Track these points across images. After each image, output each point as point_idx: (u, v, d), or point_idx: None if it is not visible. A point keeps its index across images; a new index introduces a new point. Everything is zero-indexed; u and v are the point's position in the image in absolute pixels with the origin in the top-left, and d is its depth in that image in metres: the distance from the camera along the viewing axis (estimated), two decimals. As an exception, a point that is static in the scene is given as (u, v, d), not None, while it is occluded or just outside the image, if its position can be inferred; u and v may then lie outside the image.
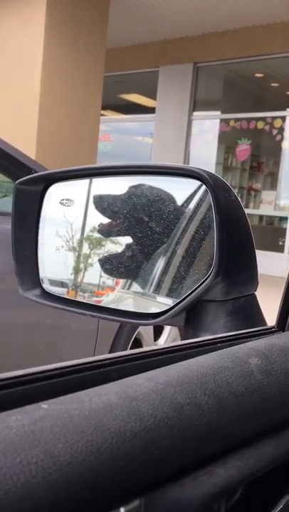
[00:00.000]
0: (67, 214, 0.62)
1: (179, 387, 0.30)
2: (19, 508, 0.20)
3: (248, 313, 0.58)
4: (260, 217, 7.94)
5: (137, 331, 2.11)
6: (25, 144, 5.11)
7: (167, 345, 0.37)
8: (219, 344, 0.41)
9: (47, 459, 0.22)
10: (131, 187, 0.59)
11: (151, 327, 2.18)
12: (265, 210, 7.82)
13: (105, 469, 0.23)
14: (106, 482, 0.23)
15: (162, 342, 2.29)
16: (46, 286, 0.63)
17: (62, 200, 0.62)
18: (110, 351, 1.94)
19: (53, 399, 0.26)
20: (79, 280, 0.65)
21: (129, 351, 0.34)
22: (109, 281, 0.63)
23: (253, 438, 0.32)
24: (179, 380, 0.31)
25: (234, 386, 0.33)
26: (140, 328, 2.11)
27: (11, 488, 0.20)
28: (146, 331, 2.22)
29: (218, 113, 8.26)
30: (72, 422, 0.24)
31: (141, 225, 0.59)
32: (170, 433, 0.27)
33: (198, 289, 0.53)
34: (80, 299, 0.64)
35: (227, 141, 8.15)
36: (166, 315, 0.54)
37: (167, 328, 2.31)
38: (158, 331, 2.36)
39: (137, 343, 2.17)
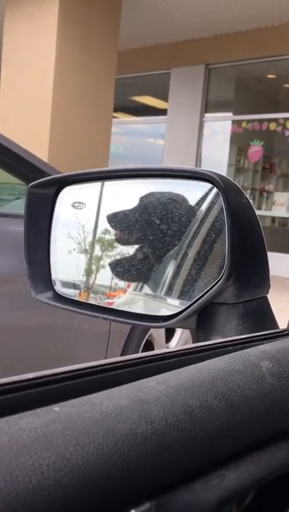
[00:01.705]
0: (79, 217, 0.63)
1: (190, 390, 0.30)
2: (31, 509, 0.20)
3: (259, 316, 0.58)
4: (273, 218, 7.90)
5: (148, 333, 2.11)
6: (38, 147, 5.15)
7: (178, 348, 0.37)
8: (230, 347, 0.41)
9: (58, 462, 0.22)
10: (142, 196, 0.59)
11: (163, 329, 2.18)
12: (278, 211, 7.78)
13: (116, 472, 0.23)
14: (117, 484, 0.23)
15: (174, 344, 2.29)
16: (58, 288, 0.64)
17: (74, 203, 0.62)
18: (122, 353, 1.95)
19: (65, 402, 0.26)
20: (91, 282, 0.65)
21: (140, 354, 0.34)
22: (121, 283, 0.63)
23: (265, 442, 0.32)
24: (190, 384, 0.31)
25: (245, 389, 0.33)
26: (152, 330, 2.11)
27: (23, 489, 0.20)
28: (158, 333, 2.22)
29: (230, 114, 8.24)
30: (84, 424, 0.24)
31: (152, 228, 0.60)
32: (181, 436, 0.27)
33: (210, 291, 0.53)
34: (92, 300, 0.64)
35: (239, 142, 8.13)
36: (178, 318, 0.54)
37: (179, 330, 2.31)
38: (170, 333, 2.36)
39: (149, 345, 2.17)
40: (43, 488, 0.21)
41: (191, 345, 0.39)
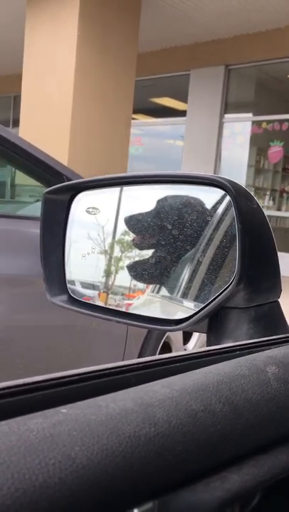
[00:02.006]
0: (93, 222, 0.64)
1: (194, 394, 0.31)
2: (36, 507, 0.21)
3: (271, 320, 0.58)
4: (293, 220, 7.83)
5: (166, 335, 2.12)
6: (58, 149, 5.21)
7: (185, 353, 0.38)
8: (238, 352, 0.41)
9: (64, 461, 0.23)
10: (157, 201, 0.60)
11: (181, 331, 2.18)
12: (298, 212, 7.71)
13: (120, 472, 0.24)
14: (120, 484, 0.24)
15: (191, 346, 2.30)
16: (74, 288, 0.65)
17: (89, 208, 0.64)
18: (139, 355, 1.96)
19: (72, 404, 0.27)
20: (110, 283, 0.66)
21: (147, 358, 0.35)
22: (139, 284, 0.64)
23: (268, 446, 0.32)
24: (194, 387, 0.32)
25: (250, 394, 0.33)
26: (169, 333, 2.12)
27: (30, 487, 0.21)
28: (175, 336, 2.23)
29: (250, 115, 8.20)
30: (89, 426, 0.25)
31: (168, 233, 0.61)
32: (184, 439, 0.28)
33: (221, 295, 0.54)
34: (111, 301, 0.65)
35: (259, 143, 8.08)
36: (189, 321, 0.55)
37: (196, 333, 2.31)
38: (187, 335, 2.36)
39: (166, 347, 2.18)
40: (49, 487, 0.22)
41: (198, 349, 0.40)
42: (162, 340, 2.09)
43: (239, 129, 8.06)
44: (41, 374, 0.30)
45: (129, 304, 0.64)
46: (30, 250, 1.65)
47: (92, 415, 0.26)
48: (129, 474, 0.25)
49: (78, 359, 1.83)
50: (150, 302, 0.62)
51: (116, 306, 0.65)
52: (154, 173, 0.59)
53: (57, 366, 1.75)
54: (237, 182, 0.55)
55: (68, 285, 0.64)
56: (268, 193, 8.19)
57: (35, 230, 1.74)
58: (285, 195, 8.20)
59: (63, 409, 0.26)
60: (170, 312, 0.62)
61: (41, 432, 0.24)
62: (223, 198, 0.58)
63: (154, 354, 2.05)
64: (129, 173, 0.57)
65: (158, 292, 0.63)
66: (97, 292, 0.67)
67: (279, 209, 7.94)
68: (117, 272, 0.65)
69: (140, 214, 0.63)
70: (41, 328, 1.73)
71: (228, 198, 0.56)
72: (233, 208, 0.56)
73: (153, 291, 0.63)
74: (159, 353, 2.08)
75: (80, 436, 0.25)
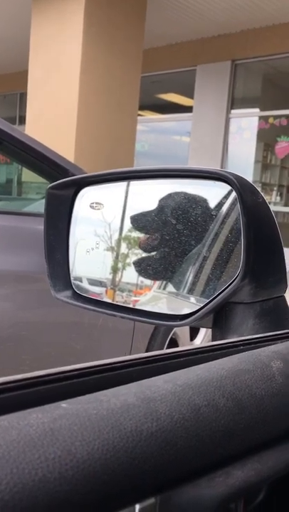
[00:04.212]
0: (97, 217, 0.64)
1: (197, 389, 0.30)
2: (36, 501, 0.21)
3: (276, 315, 0.58)
4: (301, 215, 7.79)
5: (173, 331, 2.11)
6: (65, 145, 5.21)
7: (189, 348, 0.38)
8: (242, 347, 0.41)
9: (64, 456, 0.23)
10: (163, 195, 0.60)
11: (188, 327, 2.18)
12: (306, 208, 7.66)
13: (121, 467, 0.24)
14: (121, 479, 0.24)
15: (198, 342, 2.29)
16: (79, 283, 0.65)
17: (92, 203, 0.63)
18: (146, 351, 1.96)
19: (73, 398, 0.27)
20: (117, 280, 0.66)
21: (150, 353, 0.35)
22: (147, 280, 0.64)
23: (272, 441, 0.32)
24: (197, 382, 0.31)
25: (254, 389, 0.33)
26: (176, 328, 2.12)
27: (29, 482, 0.21)
28: (182, 331, 2.22)
29: (257, 110, 8.15)
30: (90, 421, 0.25)
31: (173, 228, 0.60)
32: (186, 434, 0.27)
33: (225, 291, 0.54)
34: (118, 298, 0.65)
35: (266, 138, 8.03)
36: (194, 317, 0.55)
37: (203, 328, 2.30)
38: (194, 331, 2.36)
39: (173, 343, 2.18)
40: (48, 481, 0.22)
41: (202, 344, 0.40)
42: (169, 336, 2.09)
43: (246, 124, 8.01)
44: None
45: (137, 301, 0.64)
46: (36, 247, 1.66)
47: (93, 410, 0.26)
48: (131, 469, 0.25)
49: (85, 355, 1.83)
50: (156, 298, 0.61)
51: (123, 302, 0.65)
52: (158, 168, 0.58)
53: (64, 363, 1.75)
54: (243, 176, 0.54)
55: (73, 281, 0.64)
56: (275, 188, 8.15)
57: (42, 226, 1.74)
58: (292, 190, 8.15)
59: (64, 404, 0.26)
60: (175, 308, 0.61)
61: (41, 426, 0.24)
62: (229, 192, 0.57)
63: (162, 349, 2.05)
64: (133, 168, 0.57)
65: (164, 288, 0.63)
66: (104, 289, 0.67)
67: (286, 204, 7.89)
68: (123, 269, 0.65)
69: (145, 210, 0.62)
70: (48, 324, 1.73)
71: (233, 193, 0.55)
72: (238, 203, 0.55)
73: (159, 288, 0.63)
74: (166, 349, 2.07)
75: (81, 430, 0.24)
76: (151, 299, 0.61)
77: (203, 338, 2.32)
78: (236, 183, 0.53)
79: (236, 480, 0.28)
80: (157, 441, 0.26)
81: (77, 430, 0.24)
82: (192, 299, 0.58)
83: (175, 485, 0.27)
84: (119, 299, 0.65)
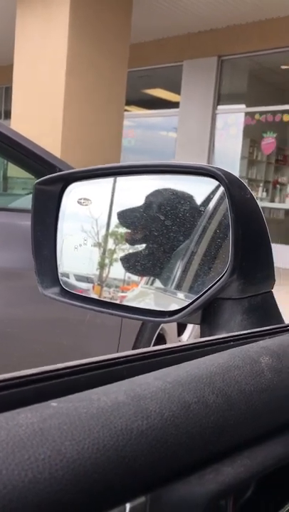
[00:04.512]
0: (85, 213, 0.64)
1: (187, 385, 0.30)
2: (26, 502, 0.21)
3: (264, 311, 0.58)
4: (286, 211, 7.84)
5: (160, 327, 2.12)
6: (51, 141, 5.17)
7: (178, 344, 0.37)
8: (232, 343, 0.41)
9: (54, 456, 0.23)
10: (148, 193, 0.60)
11: (175, 323, 2.18)
12: (291, 203, 7.71)
13: (111, 466, 0.24)
14: (112, 478, 0.24)
15: (186, 337, 2.30)
16: (67, 280, 0.65)
17: (80, 199, 0.63)
18: (134, 347, 1.96)
19: (63, 397, 0.27)
20: (104, 276, 0.66)
21: (140, 350, 0.35)
22: (134, 276, 0.63)
23: (262, 437, 0.32)
24: (187, 379, 0.31)
25: (243, 385, 0.33)
26: (164, 324, 2.12)
27: (19, 483, 0.21)
28: (169, 327, 2.23)
29: (243, 106, 8.17)
30: (80, 420, 0.25)
31: (160, 224, 0.60)
32: (176, 431, 0.27)
33: (214, 286, 0.54)
34: (105, 294, 0.65)
35: (252, 134, 8.06)
36: (182, 313, 0.55)
37: (190, 325, 2.31)
38: (182, 327, 2.36)
39: (161, 339, 2.18)
40: (38, 482, 0.21)
41: (191, 340, 0.40)
42: (157, 332, 2.09)
43: (232, 120, 8.04)
44: (35, 367, 0.29)
45: (124, 297, 0.63)
46: (21, 243, 1.64)
47: (83, 409, 0.26)
48: (121, 468, 0.24)
49: (73, 351, 1.83)
50: (144, 294, 0.61)
51: (110, 298, 0.64)
52: (146, 163, 0.58)
53: (51, 358, 1.75)
54: (229, 171, 0.54)
55: (60, 277, 0.63)
56: (261, 184, 8.19)
57: (27, 222, 1.72)
58: (278, 186, 8.20)
59: (54, 403, 0.26)
60: (164, 304, 0.61)
61: (30, 426, 0.24)
62: (216, 188, 0.57)
63: (149, 346, 2.05)
64: (121, 164, 0.56)
65: (152, 284, 0.62)
66: (91, 285, 0.67)
67: (272, 200, 7.94)
68: (110, 265, 0.64)
69: (132, 206, 0.62)
70: (35, 320, 1.72)
71: (221, 188, 0.55)
72: (226, 198, 0.55)
73: (147, 283, 0.63)
74: (154, 345, 2.08)
75: (71, 430, 0.24)
76: (139, 295, 0.61)
77: (190, 333, 2.33)
78: (224, 178, 0.53)
79: (226, 477, 0.28)
80: (148, 439, 0.26)
81: (67, 430, 0.24)
82: (180, 295, 0.58)
83: (165, 483, 0.26)
84: (107, 295, 0.64)
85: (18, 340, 1.67)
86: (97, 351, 1.91)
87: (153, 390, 0.29)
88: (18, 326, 1.68)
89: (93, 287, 0.66)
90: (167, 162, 0.57)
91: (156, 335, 2.10)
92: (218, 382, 0.32)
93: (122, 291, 0.63)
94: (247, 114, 7.94)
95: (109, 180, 0.63)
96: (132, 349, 2.00)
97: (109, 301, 0.62)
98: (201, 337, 0.61)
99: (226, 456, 0.29)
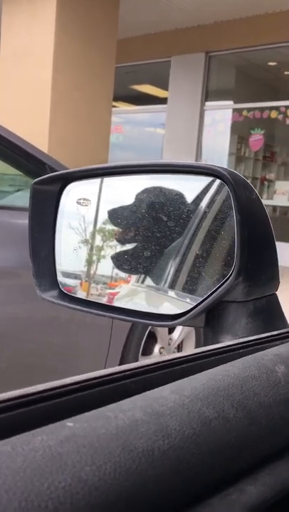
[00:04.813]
0: (85, 213, 0.62)
1: (205, 399, 0.29)
2: (48, 536, 0.19)
3: (269, 313, 0.57)
4: (274, 207, 7.87)
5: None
6: (38, 138, 5.11)
7: (188, 353, 0.36)
8: (242, 350, 0.40)
9: (75, 484, 0.21)
10: (147, 192, 0.58)
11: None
12: (279, 200, 7.75)
13: (135, 492, 0.22)
14: (136, 506, 0.22)
15: (176, 335, 2.29)
16: (60, 279, 0.63)
17: (80, 199, 0.61)
18: (124, 345, 1.94)
19: (78, 415, 0.25)
20: (92, 272, 0.64)
21: (149, 361, 0.33)
22: (121, 273, 0.62)
23: (282, 451, 0.31)
24: (205, 392, 0.30)
25: (262, 397, 0.32)
26: (155, 322, 2.10)
27: (40, 515, 0.19)
28: (160, 325, 2.21)
29: (231, 103, 8.18)
30: (99, 441, 0.23)
31: (158, 224, 0.58)
32: (198, 450, 0.26)
33: (219, 289, 0.52)
34: (93, 291, 0.63)
35: (240, 131, 8.07)
36: (186, 316, 0.53)
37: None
38: (172, 325, 2.35)
39: (152, 336, 2.17)
40: None
41: (200, 349, 0.38)
42: (148, 330, 2.08)
43: (220, 116, 8.03)
44: (26, 366, 0.27)
45: (113, 294, 0.62)
46: (11, 241, 1.62)
47: (101, 429, 0.24)
48: (145, 493, 0.23)
49: (64, 350, 1.80)
50: (148, 298, 0.59)
51: (106, 301, 0.63)
52: (149, 163, 0.56)
53: (42, 358, 1.73)
54: (236, 172, 0.53)
55: (59, 279, 0.61)
56: (249, 181, 8.20)
57: (14, 220, 1.70)
58: (266, 183, 8.23)
59: (70, 423, 0.24)
60: (167, 307, 0.60)
61: (47, 450, 0.22)
62: (220, 188, 0.55)
63: (140, 344, 2.04)
64: (122, 163, 0.55)
65: (156, 288, 0.61)
66: (78, 282, 0.65)
67: (260, 197, 7.96)
68: (107, 260, 0.63)
69: (134, 206, 0.60)
70: (25, 320, 1.70)
71: (226, 189, 0.53)
72: (222, 193, 0.54)
73: (150, 286, 0.61)
74: (144, 343, 2.07)
75: (90, 453, 0.22)
76: (143, 298, 0.59)
77: (180, 331, 2.32)
78: (230, 179, 0.51)
79: (250, 497, 0.27)
80: (170, 460, 0.24)
81: (86, 453, 0.22)
82: (184, 298, 0.57)
83: (188, 506, 0.25)
84: (102, 291, 0.63)
85: (7, 339, 1.64)
86: (87, 350, 1.89)
87: (171, 405, 0.27)
88: (7, 325, 1.65)
89: (81, 284, 0.64)
90: (171, 161, 0.56)
91: (146, 333, 2.08)
92: (236, 395, 0.30)
93: (110, 288, 0.62)
94: (235, 110, 7.94)
95: (110, 179, 0.61)
96: (123, 347, 1.98)
97: (110, 305, 0.61)
98: (204, 340, 0.60)
99: (248, 474, 0.28)
